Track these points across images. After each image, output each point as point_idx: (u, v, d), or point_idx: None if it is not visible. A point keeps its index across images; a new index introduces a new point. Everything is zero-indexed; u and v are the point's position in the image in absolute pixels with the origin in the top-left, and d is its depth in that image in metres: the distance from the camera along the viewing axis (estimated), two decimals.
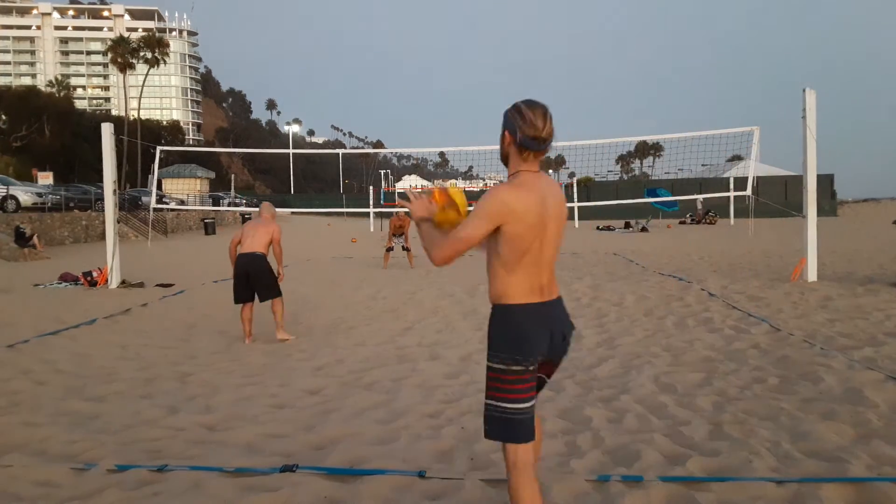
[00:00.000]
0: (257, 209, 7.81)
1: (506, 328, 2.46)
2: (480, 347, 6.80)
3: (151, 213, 18.09)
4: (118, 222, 12.62)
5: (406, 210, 16.45)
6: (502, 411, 2.44)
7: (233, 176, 67.13)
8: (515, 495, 2.48)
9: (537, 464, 2.71)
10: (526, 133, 2.41)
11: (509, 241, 2.43)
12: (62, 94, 70.43)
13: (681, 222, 39.75)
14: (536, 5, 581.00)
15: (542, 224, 2.44)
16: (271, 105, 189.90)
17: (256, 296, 7.24)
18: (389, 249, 15.63)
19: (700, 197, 31.66)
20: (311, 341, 7.34)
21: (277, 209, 7.92)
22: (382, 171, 72.63)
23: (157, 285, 12.28)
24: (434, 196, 2.66)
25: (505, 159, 2.52)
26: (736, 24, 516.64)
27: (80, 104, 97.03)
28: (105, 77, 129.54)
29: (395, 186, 75.34)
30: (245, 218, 41.61)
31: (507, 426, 2.44)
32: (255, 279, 7.15)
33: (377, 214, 39.73)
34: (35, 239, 20.51)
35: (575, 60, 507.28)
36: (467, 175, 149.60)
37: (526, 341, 2.43)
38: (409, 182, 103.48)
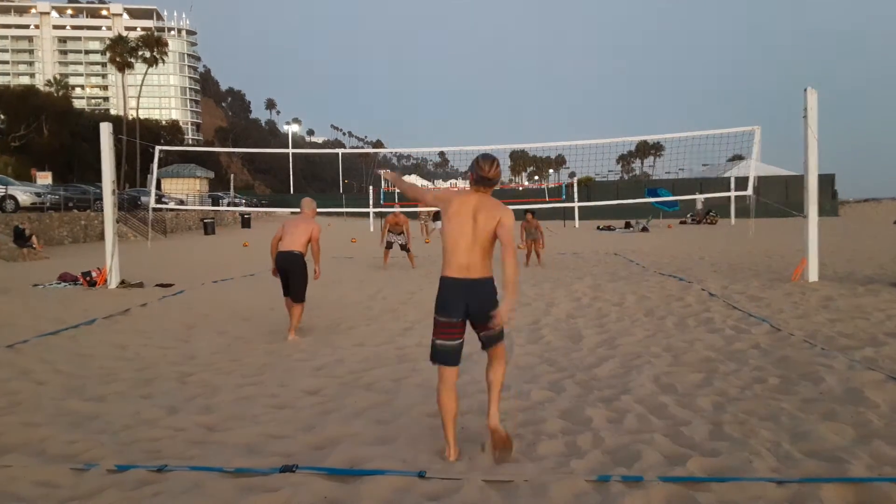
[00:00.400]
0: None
1: (438, 293, 3.79)
2: (480, 348, 6.80)
3: (151, 213, 18.04)
4: (117, 222, 12.61)
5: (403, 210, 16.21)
6: (434, 345, 3.86)
7: (232, 176, 67.17)
8: (438, 397, 3.83)
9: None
10: (479, 175, 3.82)
11: (442, 232, 3.83)
12: (61, 93, 70.39)
13: (681, 222, 39.77)
14: (536, 4, 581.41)
15: (464, 225, 3.71)
16: (271, 105, 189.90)
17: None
18: (388, 247, 15.50)
19: (701, 197, 31.67)
20: (311, 341, 7.34)
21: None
22: (382, 171, 72.59)
23: (156, 285, 12.27)
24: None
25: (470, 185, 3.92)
26: (736, 24, 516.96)
27: (79, 104, 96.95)
28: (104, 76, 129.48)
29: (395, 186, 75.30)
30: (245, 218, 41.63)
31: (435, 354, 3.86)
32: (291, 276, 7.35)
33: (377, 214, 39.72)
34: (34, 239, 20.49)
35: (575, 60, 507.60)
36: (467, 175, 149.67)
37: (445, 303, 3.74)
38: (410, 182, 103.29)
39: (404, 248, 15.37)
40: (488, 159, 3.84)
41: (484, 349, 3.97)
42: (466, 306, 3.72)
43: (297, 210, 7.95)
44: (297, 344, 7.17)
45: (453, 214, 3.75)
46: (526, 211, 15.68)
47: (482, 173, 3.80)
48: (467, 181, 4.02)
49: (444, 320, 3.76)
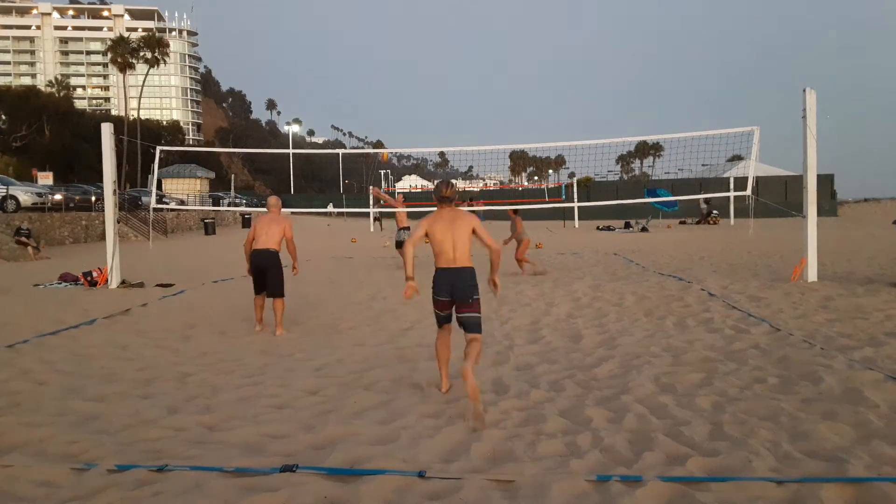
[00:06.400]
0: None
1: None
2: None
3: (151, 213, 18.07)
4: (118, 222, 12.61)
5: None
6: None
7: (233, 176, 67.12)
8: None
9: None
10: (436, 195, 5.16)
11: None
12: (62, 94, 70.37)
13: (681, 222, 39.73)
14: (536, 5, 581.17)
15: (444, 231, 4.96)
16: (271, 105, 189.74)
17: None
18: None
19: (703, 196, 31.55)
20: (311, 341, 7.34)
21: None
22: (382, 171, 72.71)
23: (157, 285, 12.27)
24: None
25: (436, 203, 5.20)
26: (736, 24, 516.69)
27: (80, 104, 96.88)
28: (105, 77, 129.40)
29: (395, 186, 75.37)
30: (245, 218, 41.63)
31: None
32: (268, 273, 7.72)
33: (377, 215, 39.70)
34: (31, 248, 20.24)
35: (575, 60, 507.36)
36: (467, 175, 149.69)
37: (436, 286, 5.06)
38: (410, 182, 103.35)
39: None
40: (442, 183, 5.23)
41: None
42: (452, 289, 5.18)
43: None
44: (296, 343, 7.17)
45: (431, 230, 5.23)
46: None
47: (440, 195, 5.13)
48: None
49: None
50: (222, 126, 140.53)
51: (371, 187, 14.55)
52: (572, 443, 4.02)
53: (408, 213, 15.01)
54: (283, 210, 8.34)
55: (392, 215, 16.00)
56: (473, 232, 4.92)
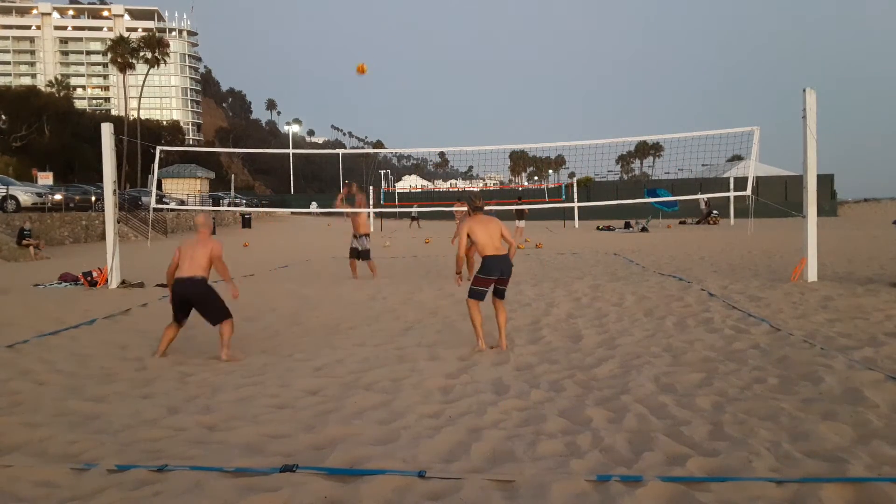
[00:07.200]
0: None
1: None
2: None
3: (151, 213, 18.06)
4: (118, 222, 12.61)
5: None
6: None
7: (233, 176, 67.17)
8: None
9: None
10: (472, 205, 6.76)
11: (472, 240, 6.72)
12: (62, 94, 70.36)
13: (681, 222, 39.73)
14: (536, 5, 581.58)
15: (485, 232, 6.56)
16: (271, 105, 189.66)
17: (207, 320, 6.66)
18: (354, 255, 13.08)
19: (704, 197, 31.56)
20: (311, 341, 7.34)
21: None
22: (382, 171, 72.67)
23: (157, 285, 12.26)
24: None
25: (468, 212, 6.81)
26: (736, 24, 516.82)
27: (80, 104, 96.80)
28: (105, 77, 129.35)
29: (395, 186, 75.42)
30: (244, 218, 41.65)
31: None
32: (200, 306, 6.53)
33: (377, 214, 39.78)
34: (32, 248, 20.22)
35: (575, 60, 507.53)
36: (467, 175, 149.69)
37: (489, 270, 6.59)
38: (410, 182, 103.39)
39: (367, 255, 12.96)
40: (475, 195, 6.89)
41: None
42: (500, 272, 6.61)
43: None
44: (296, 344, 7.17)
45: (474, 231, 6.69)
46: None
47: (474, 205, 6.72)
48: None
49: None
50: (222, 126, 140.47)
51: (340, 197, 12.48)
52: (572, 443, 4.02)
53: (368, 215, 13.18)
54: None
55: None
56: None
